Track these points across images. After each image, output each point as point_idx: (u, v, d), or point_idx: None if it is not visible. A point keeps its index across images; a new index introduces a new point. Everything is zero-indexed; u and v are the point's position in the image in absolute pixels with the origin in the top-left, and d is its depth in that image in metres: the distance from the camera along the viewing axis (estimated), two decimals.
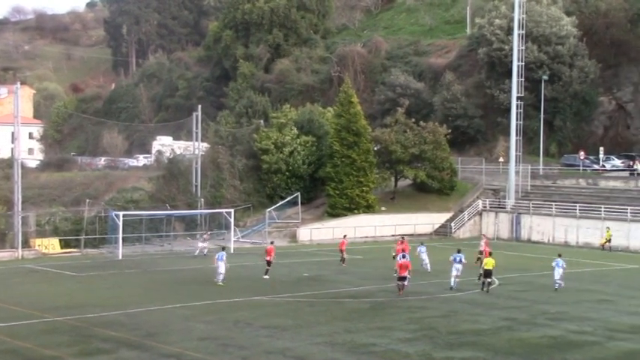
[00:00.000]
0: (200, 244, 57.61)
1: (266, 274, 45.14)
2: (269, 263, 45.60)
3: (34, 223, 60.88)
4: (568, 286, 44.61)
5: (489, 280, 42.19)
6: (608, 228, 66.75)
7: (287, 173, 75.48)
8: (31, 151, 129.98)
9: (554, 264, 43.62)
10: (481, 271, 43.00)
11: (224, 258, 43.11)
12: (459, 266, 42.47)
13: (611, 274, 50.84)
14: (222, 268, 42.82)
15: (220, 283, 42.48)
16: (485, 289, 41.85)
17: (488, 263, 42.10)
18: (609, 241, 66.28)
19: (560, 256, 44.49)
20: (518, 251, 63.63)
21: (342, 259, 52.80)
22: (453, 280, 42.37)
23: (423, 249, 50.20)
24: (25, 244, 57.04)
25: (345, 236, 55.75)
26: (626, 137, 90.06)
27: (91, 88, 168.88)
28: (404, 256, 42.11)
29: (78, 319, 33.16)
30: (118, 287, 42.67)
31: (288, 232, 69.96)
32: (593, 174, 79.84)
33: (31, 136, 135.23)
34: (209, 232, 61.90)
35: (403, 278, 40.31)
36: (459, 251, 43.34)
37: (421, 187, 78.73)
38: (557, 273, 43.30)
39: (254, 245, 64.31)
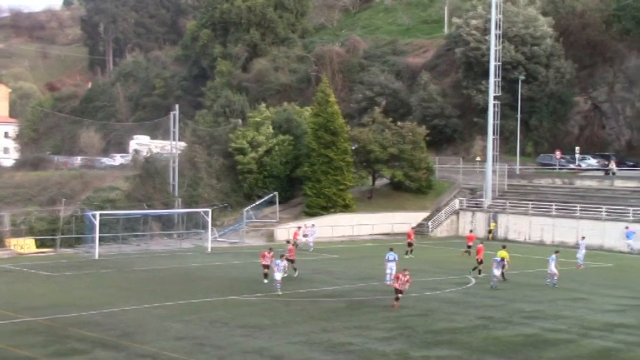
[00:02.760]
0: (308, 239, 61.43)
1: (266, 278, 42.73)
2: (266, 267, 42.95)
3: (9, 223, 60.44)
4: (543, 285, 44.91)
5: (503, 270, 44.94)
6: (491, 219, 72.03)
7: (264, 172, 75.41)
8: (6, 150, 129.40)
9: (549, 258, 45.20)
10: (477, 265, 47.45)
11: (282, 266, 40.82)
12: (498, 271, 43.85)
13: (586, 273, 51.15)
14: (278, 276, 40.30)
15: (279, 292, 39.83)
16: (503, 278, 44.97)
17: (502, 254, 44.92)
18: (491, 231, 71.35)
19: (557, 252, 46.09)
20: (494, 250, 63.65)
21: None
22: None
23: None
24: (0, 244, 56.58)
25: (299, 228, 61.82)
26: (602, 137, 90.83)
27: (68, 87, 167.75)
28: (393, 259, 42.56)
29: (53, 319, 32.95)
30: (94, 287, 42.40)
31: (265, 231, 69.85)
32: (568, 173, 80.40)
33: (6, 135, 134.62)
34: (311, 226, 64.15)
35: (398, 292, 36.45)
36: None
37: (398, 187, 78.91)
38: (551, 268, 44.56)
39: (231, 245, 64.23)
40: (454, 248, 62.13)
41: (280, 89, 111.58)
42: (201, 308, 35.99)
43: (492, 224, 72.49)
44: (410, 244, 57.99)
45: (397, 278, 36.74)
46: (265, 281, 42.54)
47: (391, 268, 42.36)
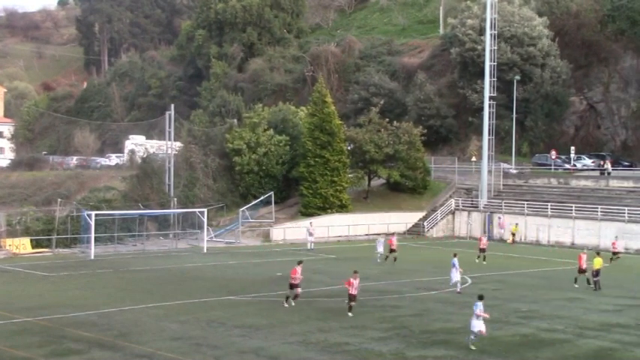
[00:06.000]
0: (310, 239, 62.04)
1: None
2: (352, 298, 35.02)
3: (4, 223, 60.27)
4: (539, 285, 44.95)
5: (598, 278, 43.36)
6: (516, 224, 70.73)
7: (260, 173, 75.43)
8: (1, 150, 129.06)
9: None
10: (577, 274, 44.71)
11: (480, 309, 29.61)
12: None
13: None
14: (478, 325, 29.39)
15: (472, 347, 29.15)
16: (596, 287, 43.17)
17: (597, 263, 43.29)
18: (514, 235, 70.64)
19: None
20: (490, 250, 63.85)
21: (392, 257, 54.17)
22: None
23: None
24: None
25: (394, 234, 59.58)
26: (597, 137, 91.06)
27: (63, 87, 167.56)
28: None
29: (49, 319, 32.88)
30: (90, 287, 42.33)
31: (262, 231, 69.90)
32: (564, 173, 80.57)
33: (1, 135, 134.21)
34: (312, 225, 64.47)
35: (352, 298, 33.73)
36: None
37: (394, 187, 78.99)
38: None
39: (227, 245, 64.21)
40: (450, 249, 62.13)
41: (276, 89, 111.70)
42: (198, 308, 35.96)
43: (514, 227, 70.68)
44: (482, 250, 55.53)
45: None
46: (286, 305, 36.44)
47: (453, 273, 41.70)
